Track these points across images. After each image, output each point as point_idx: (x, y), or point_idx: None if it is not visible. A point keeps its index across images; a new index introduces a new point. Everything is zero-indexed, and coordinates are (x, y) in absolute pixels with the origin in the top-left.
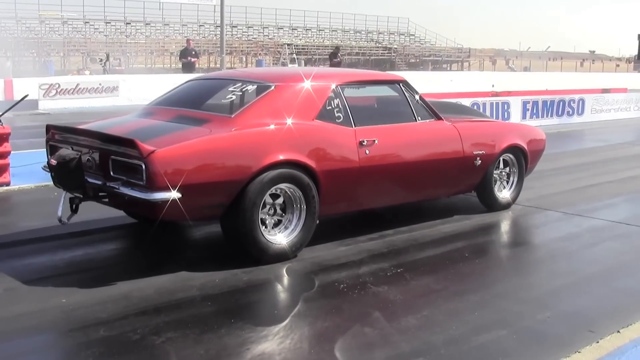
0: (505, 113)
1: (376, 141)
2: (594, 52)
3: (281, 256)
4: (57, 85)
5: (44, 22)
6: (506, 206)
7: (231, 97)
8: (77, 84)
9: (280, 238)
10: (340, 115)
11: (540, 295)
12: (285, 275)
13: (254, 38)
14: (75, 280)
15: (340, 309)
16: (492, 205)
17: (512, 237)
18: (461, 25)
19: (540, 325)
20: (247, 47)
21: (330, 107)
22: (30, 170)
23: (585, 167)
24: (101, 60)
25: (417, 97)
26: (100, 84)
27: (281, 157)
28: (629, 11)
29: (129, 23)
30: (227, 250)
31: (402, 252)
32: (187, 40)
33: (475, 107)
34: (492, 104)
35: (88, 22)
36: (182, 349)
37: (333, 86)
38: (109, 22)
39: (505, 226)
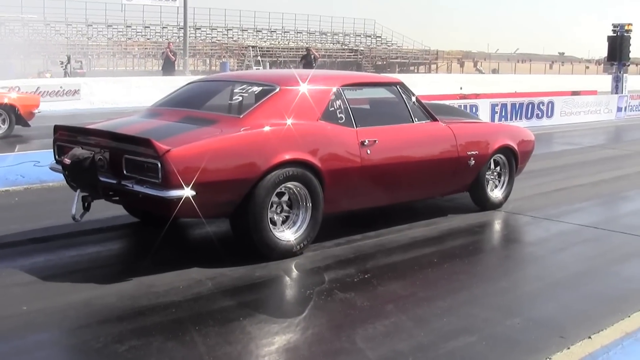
0: None
1: (377, 141)
2: (563, 53)
3: (288, 253)
4: (17, 89)
5: (3, 24)
6: (498, 205)
7: (237, 99)
8: (38, 87)
9: (288, 235)
10: (342, 116)
11: (510, 301)
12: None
13: (218, 40)
14: (35, 287)
15: (303, 317)
16: (484, 204)
17: (481, 243)
18: (428, 27)
19: (510, 332)
20: (211, 50)
21: (333, 108)
22: None
23: (555, 170)
24: (62, 62)
25: (413, 98)
26: (61, 87)
27: (289, 157)
28: (598, 12)
29: (91, 25)
30: (192, 254)
31: (369, 258)
32: (168, 44)
33: None
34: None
35: (49, 24)
36: (145, 357)
37: (335, 88)
38: (70, 24)
39: (473, 231)
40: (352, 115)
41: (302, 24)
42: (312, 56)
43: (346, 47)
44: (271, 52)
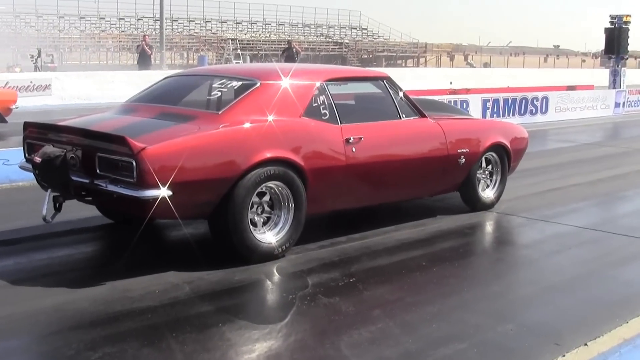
0: None
1: (362, 139)
2: (558, 46)
3: (270, 255)
4: None
5: None
6: (490, 206)
7: (216, 94)
8: (7, 82)
9: (269, 237)
10: (326, 112)
11: (502, 306)
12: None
13: (196, 33)
14: (4, 292)
15: (285, 323)
16: (475, 204)
17: (472, 245)
18: (417, 18)
19: (502, 338)
20: (189, 42)
21: (317, 104)
22: None
23: (550, 169)
24: (32, 56)
25: (400, 94)
26: (31, 82)
27: (270, 155)
28: (595, 3)
29: (62, 16)
30: (167, 256)
31: (354, 261)
32: (144, 37)
33: None
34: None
35: (18, 16)
36: None
37: (318, 83)
38: (41, 16)
39: (463, 233)
40: (337, 111)
41: (284, 15)
42: (294, 50)
43: (330, 39)
44: (252, 45)
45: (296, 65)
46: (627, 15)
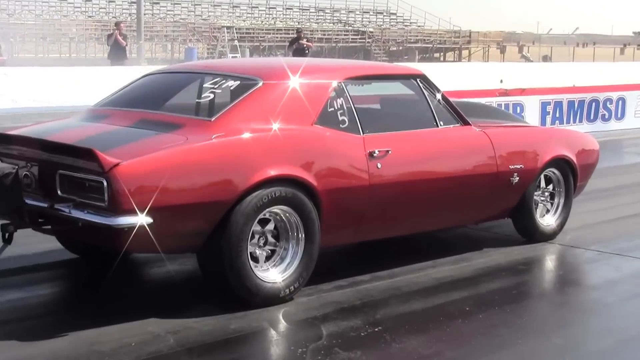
0: None
1: (390, 152)
2: (639, 34)
3: (274, 298)
4: None
5: None
6: (551, 236)
7: (208, 96)
8: None
9: (274, 275)
10: (345, 119)
11: None
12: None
13: (183, 19)
14: None
15: None
16: (533, 234)
17: (528, 285)
18: (459, 0)
19: None
20: (174, 31)
21: (333, 109)
22: None
23: (627, 190)
24: None
25: (438, 96)
26: None
27: (275, 173)
28: None
29: None
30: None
31: (380, 305)
32: (117, 24)
33: None
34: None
35: None
36: None
37: (335, 82)
38: None
39: (518, 270)
40: (358, 117)
41: None
42: (304, 46)
43: (350, 27)
44: (252, 35)
45: (308, 61)
46: None
